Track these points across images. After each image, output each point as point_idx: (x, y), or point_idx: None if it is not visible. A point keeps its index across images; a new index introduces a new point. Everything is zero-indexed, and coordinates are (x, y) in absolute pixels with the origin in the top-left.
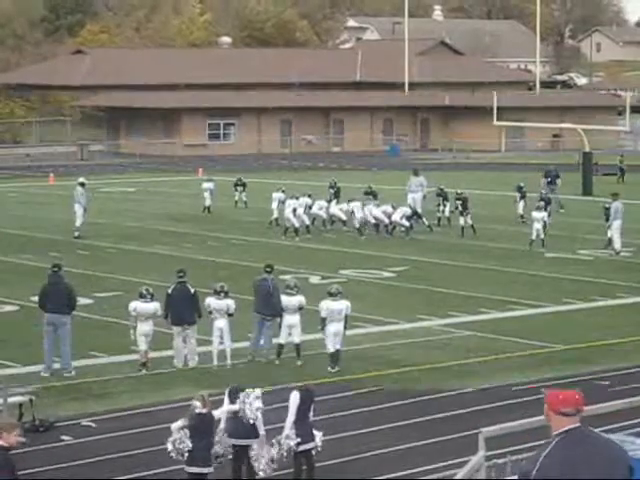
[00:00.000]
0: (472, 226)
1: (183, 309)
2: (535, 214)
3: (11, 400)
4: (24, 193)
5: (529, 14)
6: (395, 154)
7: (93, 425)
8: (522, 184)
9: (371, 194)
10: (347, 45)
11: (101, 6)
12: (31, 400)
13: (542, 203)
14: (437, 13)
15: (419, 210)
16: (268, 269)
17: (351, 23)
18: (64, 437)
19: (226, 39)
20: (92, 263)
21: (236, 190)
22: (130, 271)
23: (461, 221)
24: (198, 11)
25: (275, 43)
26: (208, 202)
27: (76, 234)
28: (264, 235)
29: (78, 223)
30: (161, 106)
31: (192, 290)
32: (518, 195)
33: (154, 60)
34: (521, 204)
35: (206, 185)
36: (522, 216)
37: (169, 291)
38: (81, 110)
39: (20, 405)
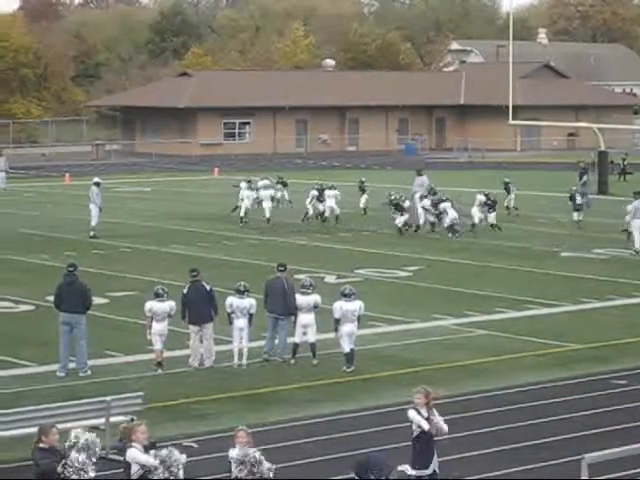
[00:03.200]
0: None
1: (200, 308)
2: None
3: (113, 420)
4: (40, 193)
5: (635, 37)
6: (411, 153)
7: (195, 445)
8: (507, 179)
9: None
10: (450, 68)
11: (205, 29)
12: (132, 420)
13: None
14: (541, 36)
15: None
16: (281, 268)
17: (455, 46)
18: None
19: (330, 61)
20: (107, 262)
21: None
22: (145, 271)
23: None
24: (302, 34)
25: (379, 65)
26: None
27: (92, 234)
28: (279, 234)
29: (94, 223)
30: (176, 105)
31: (208, 287)
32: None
33: (259, 82)
34: (509, 197)
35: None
36: (507, 207)
37: (184, 291)
38: (96, 110)
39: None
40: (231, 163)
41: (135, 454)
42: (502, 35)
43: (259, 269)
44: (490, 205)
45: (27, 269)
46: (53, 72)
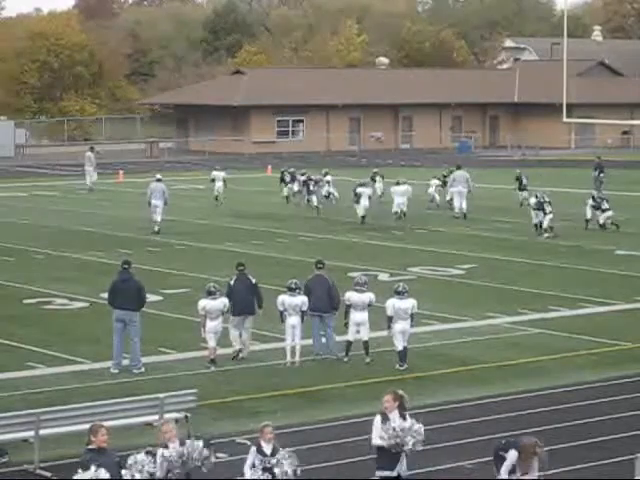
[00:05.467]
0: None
1: (244, 299)
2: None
3: (167, 417)
4: (94, 190)
5: None
6: (465, 151)
7: (248, 443)
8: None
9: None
10: (504, 66)
11: (259, 27)
12: (187, 417)
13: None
14: (596, 34)
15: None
16: (320, 265)
17: (509, 43)
18: (220, 454)
19: (383, 59)
20: (161, 260)
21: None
22: (199, 268)
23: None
24: (355, 32)
25: (432, 63)
26: (218, 192)
27: (156, 229)
28: (332, 232)
29: (159, 218)
30: (229, 103)
31: (253, 280)
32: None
33: (312, 80)
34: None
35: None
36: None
37: (230, 282)
38: (150, 108)
39: (176, 421)
40: (284, 161)
41: (163, 452)
42: (556, 32)
43: (312, 267)
44: (595, 206)
45: (82, 266)
46: (107, 70)
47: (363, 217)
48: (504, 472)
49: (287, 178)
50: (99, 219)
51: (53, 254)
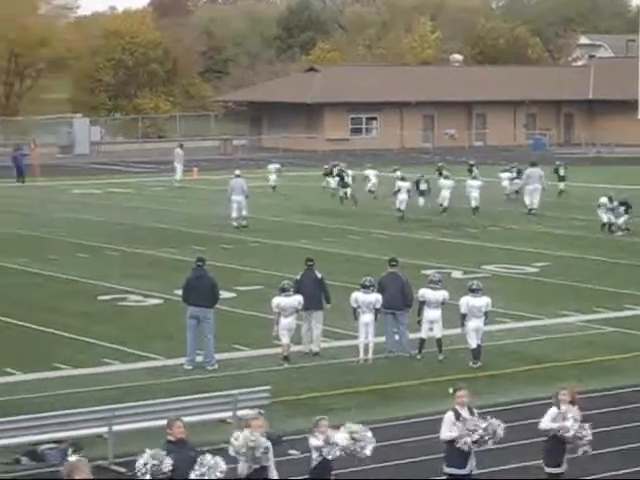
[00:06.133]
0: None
1: (312, 294)
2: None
3: (240, 413)
4: (168, 187)
5: None
6: (539, 148)
7: None
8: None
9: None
10: (579, 62)
11: (333, 24)
12: (260, 413)
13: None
14: None
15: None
16: (393, 263)
17: (583, 40)
18: (292, 451)
19: (458, 57)
20: (235, 257)
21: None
22: (272, 265)
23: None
24: (429, 29)
25: (506, 60)
26: (273, 183)
27: (244, 223)
28: (405, 229)
29: (243, 213)
30: (303, 101)
31: (319, 275)
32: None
33: (385, 78)
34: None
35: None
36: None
37: (298, 277)
38: (224, 105)
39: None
40: (357, 159)
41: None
42: (632, 29)
43: (385, 264)
44: (612, 208)
45: (156, 263)
46: (181, 67)
47: (400, 210)
48: (545, 421)
49: (335, 172)
50: (173, 216)
51: (127, 251)
